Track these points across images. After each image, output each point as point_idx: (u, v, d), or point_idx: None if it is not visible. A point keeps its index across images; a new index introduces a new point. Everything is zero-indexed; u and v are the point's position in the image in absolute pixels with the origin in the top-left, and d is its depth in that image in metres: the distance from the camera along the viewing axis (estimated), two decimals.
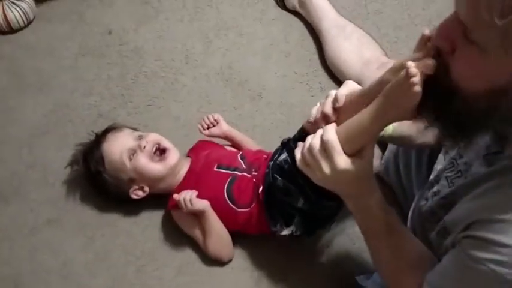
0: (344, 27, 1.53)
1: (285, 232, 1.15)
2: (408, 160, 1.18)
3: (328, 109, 0.92)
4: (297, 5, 1.64)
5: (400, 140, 1.06)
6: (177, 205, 1.20)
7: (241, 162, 1.25)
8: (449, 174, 0.89)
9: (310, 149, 0.83)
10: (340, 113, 0.91)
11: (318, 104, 0.96)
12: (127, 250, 1.26)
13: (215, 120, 1.32)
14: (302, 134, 1.04)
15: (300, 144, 0.89)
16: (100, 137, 1.28)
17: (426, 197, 0.96)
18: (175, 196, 1.19)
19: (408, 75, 0.69)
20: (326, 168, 0.82)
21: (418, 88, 0.69)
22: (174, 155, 1.24)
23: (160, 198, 1.27)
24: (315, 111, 0.96)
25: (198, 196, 1.19)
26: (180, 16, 1.63)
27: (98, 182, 1.26)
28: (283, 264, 1.23)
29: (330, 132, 0.82)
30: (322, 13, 1.58)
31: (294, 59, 1.57)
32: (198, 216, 1.21)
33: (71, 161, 1.31)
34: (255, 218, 1.19)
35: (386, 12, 1.67)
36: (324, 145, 0.81)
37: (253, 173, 1.22)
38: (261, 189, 1.17)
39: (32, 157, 1.37)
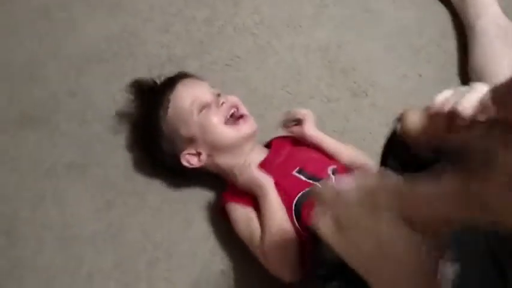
0: (506, 29, 1.15)
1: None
2: None
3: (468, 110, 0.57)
4: None
5: None
6: (234, 196, 0.95)
7: (332, 177, 0.95)
8: None
9: None
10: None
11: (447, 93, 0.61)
12: (146, 233, 1.01)
13: (301, 116, 1.01)
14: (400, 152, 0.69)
15: None
16: (176, 78, 1.03)
17: None
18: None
19: None
20: None
21: None
22: (251, 124, 1.00)
23: (211, 188, 1.03)
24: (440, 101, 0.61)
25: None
26: None
27: (149, 131, 1.02)
28: None
29: None
30: (482, 6, 1.19)
31: (424, 58, 1.22)
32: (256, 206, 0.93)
33: (132, 92, 1.07)
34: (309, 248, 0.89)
35: None
36: None
37: None
38: None
39: (77, 84, 1.14)
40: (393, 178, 0.56)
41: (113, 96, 1.11)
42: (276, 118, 1.06)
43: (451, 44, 1.24)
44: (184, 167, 0.99)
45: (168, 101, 0.99)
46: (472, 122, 0.55)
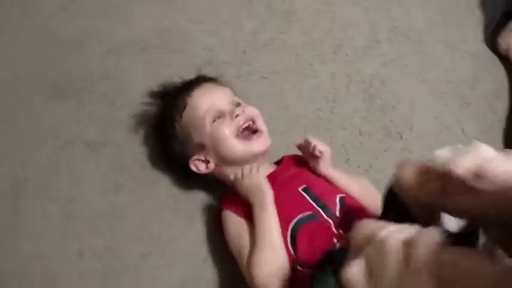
0: None
1: None
2: None
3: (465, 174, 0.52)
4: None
5: None
6: (231, 205, 0.92)
7: (338, 206, 0.89)
8: None
9: None
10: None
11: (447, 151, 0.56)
12: (145, 224, 1.00)
13: (317, 153, 0.94)
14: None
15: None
16: (195, 83, 1.02)
17: None
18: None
19: None
20: None
21: None
22: (263, 142, 0.96)
23: (218, 193, 1.01)
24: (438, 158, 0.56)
25: None
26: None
27: (164, 129, 1.01)
28: None
29: None
30: None
31: (471, 114, 1.15)
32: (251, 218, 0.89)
33: (153, 92, 1.08)
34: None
35: None
36: None
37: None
38: None
39: (114, 68, 1.16)
40: (436, 237, 0.51)
41: (145, 86, 1.11)
42: (299, 139, 1.03)
43: (503, 106, 1.18)
44: (192, 171, 0.97)
45: (185, 105, 0.98)
46: (468, 188, 0.51)
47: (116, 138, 1.08)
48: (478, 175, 0.48)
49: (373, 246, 0.50)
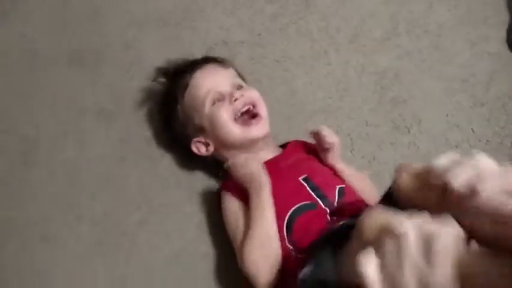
0: None
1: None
2: None
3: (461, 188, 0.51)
4: None
5: None
6: (231, 187, 0.93)
7: (337, 197, 0.90)
8: None
9: None
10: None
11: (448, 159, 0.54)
12: (146, 194, 1.03)
13: (327, 146, 0.94)
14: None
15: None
16: (199, 63, 1.03)
17: None
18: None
19: None
20: None
21: None
22: (262, 127, 0.95)
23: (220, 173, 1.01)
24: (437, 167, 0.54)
25: None
26: None
27: (167, 109, 1.03)
28: None
29: None
30: None
31: (483, 114, 1.13)
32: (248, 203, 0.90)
33: (159, 69, 1.09)
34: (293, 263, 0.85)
35: None
36: None
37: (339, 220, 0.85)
38: None
39: (133, 39, 1.17)
40: (456, 230, 0.49)
41: (162, 59, 1.12)
42: (305, 125, 1.04)
43: None
44: (194, 152, 0.99)
45: (186, 85, 0.98)
46: (464, 205, 0.49)
47: (126, 110, 1.10)
48: (472, 192, 0.48)
49: (391, 242, 0.48)
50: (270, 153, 0.97)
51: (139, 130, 1.08)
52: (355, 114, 1.12)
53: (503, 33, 1.23)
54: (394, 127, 1.12)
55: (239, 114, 0.95)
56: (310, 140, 0.98)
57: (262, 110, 0.97)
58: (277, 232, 0.87)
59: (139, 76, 1.12)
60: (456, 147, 1.10)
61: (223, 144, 0.96)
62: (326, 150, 0.94)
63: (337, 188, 0.91)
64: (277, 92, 1.13)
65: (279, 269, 0.86)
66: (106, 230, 0.98)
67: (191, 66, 1.02)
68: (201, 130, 0.97)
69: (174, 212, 1.01)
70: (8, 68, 1.13)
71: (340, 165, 0.96)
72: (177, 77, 1.02)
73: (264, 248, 0.86)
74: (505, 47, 1.21)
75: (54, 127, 1.07)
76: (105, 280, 0.94)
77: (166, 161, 1.06)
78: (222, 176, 0.99)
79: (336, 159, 0.95)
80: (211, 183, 1.04)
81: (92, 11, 1.21)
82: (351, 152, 1.09)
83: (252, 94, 0.97)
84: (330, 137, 0.93)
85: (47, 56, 1.14)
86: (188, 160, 1.04)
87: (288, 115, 1.09)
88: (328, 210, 0.87)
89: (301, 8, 1.23)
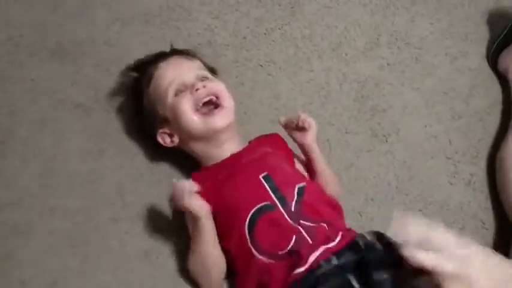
0: None
1: None
2: None
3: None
4: (510, 71, 1.19)
5: None
6: (198, 182, 0.90)
7: (295, 197, 0.89)
8: None
9: None
10: None
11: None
12: (121, 191, 1.02)
13: (306, 126, 0.96)
14: None
15: None
16: (165, 55, 1.04)
17: None
18: (175, 181, 0.88)
19: None
20: None
21: None
22: (224, 117, 0.95)
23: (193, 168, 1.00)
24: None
25: (215, 196, 0.90)
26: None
27: (133, 100, 1.05)
28: None
29: None
30: None
31: (461, 127, 1.15)
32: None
33: (132, 63, 1.09)
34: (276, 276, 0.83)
35: None
36: None
37: (302, 223, 0.86)
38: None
39: (116, 36, 1.18)
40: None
41: (141, 55, 1.11)
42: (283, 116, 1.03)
43: (495, 122, 1.17)
44: (160, 143, 0.99)
45: (151, 76, 0.99)
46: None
47: (105, 104, 1.10)
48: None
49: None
50: (235, 145, 0.97)
51: (117, 125, 1.07)
52: (335, 120, 1.13)
53: (483, 49, 1.26)
54: (373, 135, 1.13)
55: (200, 104, 0.94)
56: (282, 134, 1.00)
57: (226, 101, 0.96)
58: (219, 249, 0.89)
59: (120, 72, 1.11)
60: (432, 158, 1.12)
61: (187, 135, 0.96)
62: (304, 129, 0.96)
63: (297, 188, 0.91)
64: (260, 95, 1.14)
65: (238, 271, 0.89)
66: (79, 224, 0.97)
67: (157, 57, 1.03)
68: (165, 121, 0.97)
69: (147, 210, 1.00)
70: None
71: (315, 145, 0.98)
72: (143, 68, 1.03)
73: (204, 267, 0.90)
74: (485, 63, 1.23)
75: (32, 117, 1.06)
76: (76, 273, 0.93)
77: (143, 157, 1.05)
78: (192, 167, 0.99)
79: (313, 140, 0.97)
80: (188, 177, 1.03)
81: (79, 5, 1.21)
82: (328, 157, 1.09)
83: (215, 85, 0.97)
84: (309, 119, 0.96)
85: (30, 45, 1.13)
86: (155, 153, 1.04)
87: (271, 119, 1.09)
88: (285, 214, 0.87)
89: (286, 14, 1.25)
